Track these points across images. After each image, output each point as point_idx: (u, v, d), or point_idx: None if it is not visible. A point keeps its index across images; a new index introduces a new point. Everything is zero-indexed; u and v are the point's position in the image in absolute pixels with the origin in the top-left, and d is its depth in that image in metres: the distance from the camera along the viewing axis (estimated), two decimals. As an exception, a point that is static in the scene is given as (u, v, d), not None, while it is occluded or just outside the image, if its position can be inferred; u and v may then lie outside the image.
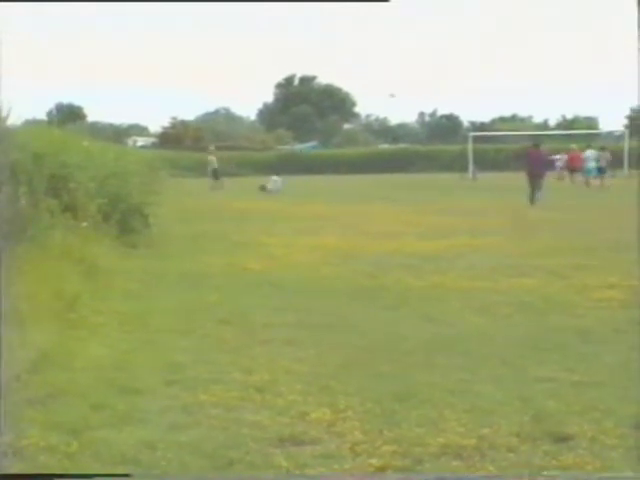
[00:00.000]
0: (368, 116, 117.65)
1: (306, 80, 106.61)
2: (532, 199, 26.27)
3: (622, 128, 69.79)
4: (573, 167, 40.52)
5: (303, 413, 5.32)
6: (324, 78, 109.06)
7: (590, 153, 37.93)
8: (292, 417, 5.26)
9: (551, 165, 32.58)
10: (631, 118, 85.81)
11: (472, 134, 58.64)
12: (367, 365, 6.55)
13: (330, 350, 7.07)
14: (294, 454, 4.61)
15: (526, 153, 29.93)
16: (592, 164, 36.89)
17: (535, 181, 26.98)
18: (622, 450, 4.61)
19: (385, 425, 5.04)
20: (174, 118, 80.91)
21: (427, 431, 4.92)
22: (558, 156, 43.59)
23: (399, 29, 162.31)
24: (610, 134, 74.87)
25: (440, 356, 6.82)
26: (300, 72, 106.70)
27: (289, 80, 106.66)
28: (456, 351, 6.99)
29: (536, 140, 34.58)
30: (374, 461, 4.46)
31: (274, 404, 5.53)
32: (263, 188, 37.73)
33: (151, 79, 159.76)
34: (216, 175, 41.71)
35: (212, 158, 43.42)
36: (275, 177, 39.37)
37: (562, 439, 4.80)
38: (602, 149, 41.12)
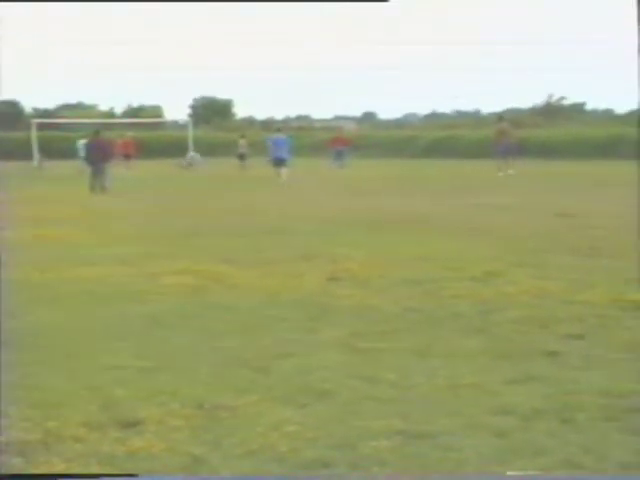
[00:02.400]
0: None
1: None
2: (94, 188, 26.26)
3: (186, 117, 71.94)
4: (127, 154, 42.49)
5: None
6: None
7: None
8: None
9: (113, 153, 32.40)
10: (194, 107, 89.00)
11: (36, 121, 57.01)
12: None
13: None
14: None
15: (87, 142, 29.78)
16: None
17: (98, 169, 27.00)
18: (187, 430, 4.78)
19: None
20: None
21: (-9, 431, 4.74)
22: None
23: None
24: (175, 123, 76.96)
25: (3, 352, 6.58)
26: None
27: None
28: (23, 345, 6.77)
29: (99, 128, 34.35)
30: None
31: None
32: None
33: None
34: None
35: None
36: None
37: (131, 424, 4.87)
38: (278, 130, 43.54)
